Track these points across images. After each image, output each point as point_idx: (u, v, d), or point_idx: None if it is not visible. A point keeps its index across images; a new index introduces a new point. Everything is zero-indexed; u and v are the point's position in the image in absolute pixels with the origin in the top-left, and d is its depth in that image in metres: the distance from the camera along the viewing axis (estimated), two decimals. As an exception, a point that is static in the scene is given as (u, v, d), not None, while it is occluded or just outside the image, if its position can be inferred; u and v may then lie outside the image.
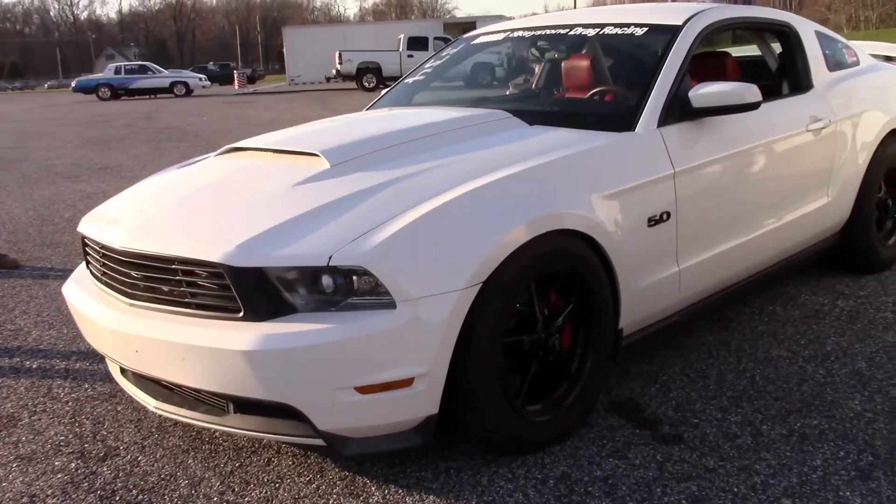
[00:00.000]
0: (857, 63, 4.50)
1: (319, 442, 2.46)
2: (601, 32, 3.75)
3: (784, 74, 4.13)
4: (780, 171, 3.64)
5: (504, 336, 2.60)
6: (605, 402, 3.09)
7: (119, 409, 3.20)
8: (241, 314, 2.41)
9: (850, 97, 4.18)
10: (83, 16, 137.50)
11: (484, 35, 4.27)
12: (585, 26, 3.84)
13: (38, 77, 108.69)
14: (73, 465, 2.79)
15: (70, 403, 3.28)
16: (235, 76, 41.79)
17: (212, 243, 2.48)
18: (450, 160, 2.86)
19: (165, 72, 35.53)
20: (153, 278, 2.61)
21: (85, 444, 2.93)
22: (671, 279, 3.15)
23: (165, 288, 2.59)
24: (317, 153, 2.90)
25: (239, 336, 2.36)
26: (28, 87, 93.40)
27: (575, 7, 61.17)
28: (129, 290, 2.70)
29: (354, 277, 2.38)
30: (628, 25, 3.70)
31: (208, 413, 2.62)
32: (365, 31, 41.10)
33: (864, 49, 4.79)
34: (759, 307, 4.04)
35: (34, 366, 3.72)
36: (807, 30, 4.17)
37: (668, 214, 3.08)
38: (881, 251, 4.45)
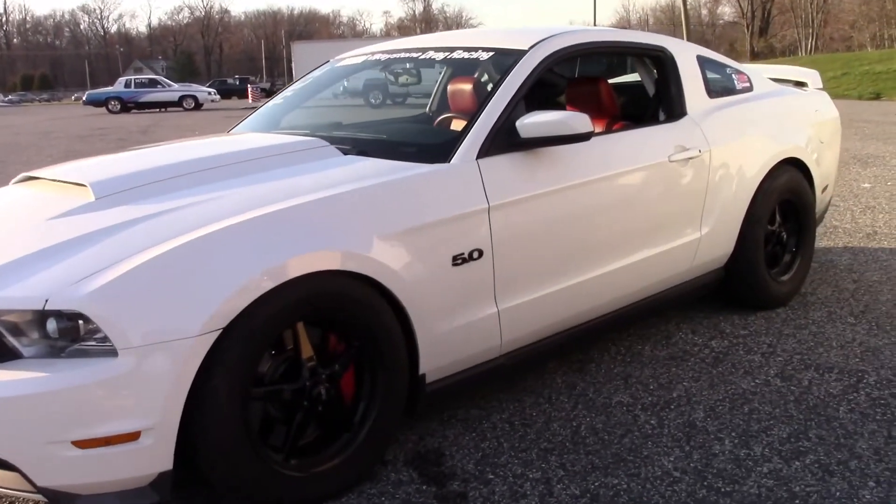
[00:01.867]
0: (749, 89, 4.27)
1: (41, 498, 2.29)
2: (449, 57, 3.58)
3: (659, 101, 3.91)
4: (631, 204, 3.43)
5: (256, 385, 2.43)
6: (412, 451, 2.90)
7: None
8: None
9: (731, 125, 3.95)
10: (113, 29, 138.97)
11: (348, 58, 4.10)
12: (437, 49, 3.66)
13: (67, 89, 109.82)
14: None
15: None
16: (249, 90, 41.91)
17: None
18: (227, 193, 2.68)
19: (175, 85, 35.72)
20: None
21: None
22: (488, 321, 2.96)
23: None
24: (86, 184, 2.74)
25: None
26: (56, 100, 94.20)
27: (594, 21, 61.11)
28: None
29: (80, 322, 2.22)
30: (476, 49, 3.52)
31: (-49, 463, 2.45)
32: (376, 47, 41.04)
33: (764, 74, 4.56)
34: (627, 346, 3.82)
35: None
36: (685, 54, 3.96)
37: (481, 252, 2.88)
38: (773, 287, 4.21)
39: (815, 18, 64.88)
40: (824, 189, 4.62)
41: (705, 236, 3.81)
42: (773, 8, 63.68)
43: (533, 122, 3.04)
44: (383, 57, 3.88)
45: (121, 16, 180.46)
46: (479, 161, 2.97)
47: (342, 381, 2.64)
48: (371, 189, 2.71)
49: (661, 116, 3.87)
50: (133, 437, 2.22)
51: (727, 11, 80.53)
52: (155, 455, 2.26)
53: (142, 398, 2.21)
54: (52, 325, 2.23)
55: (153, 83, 34.70)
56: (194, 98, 34.41)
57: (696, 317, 4.19)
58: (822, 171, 4.52)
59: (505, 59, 3.35)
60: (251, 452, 2.39)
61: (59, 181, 2.94)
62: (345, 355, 2.63)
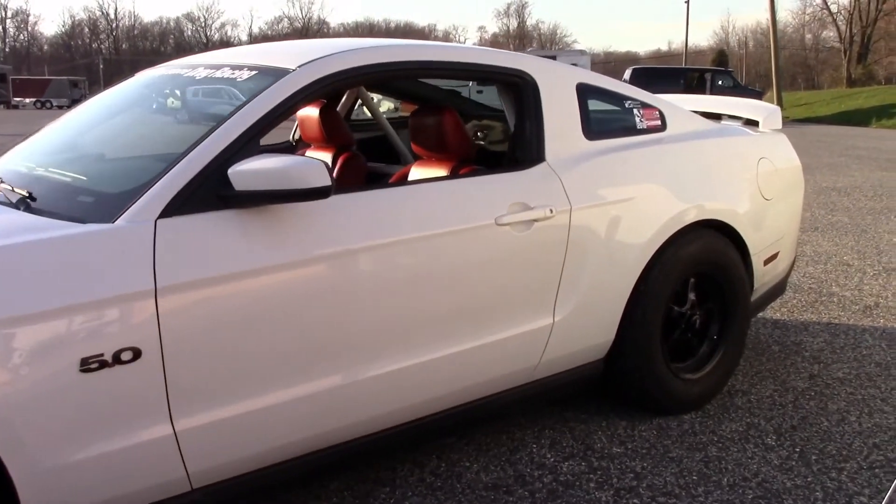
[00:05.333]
0: (658, 128, 3.29)
1: None
2: (212, 75, 2.75)
3: (514, 142, 2.99)
4: (412, 285, 2.49)
5: None
6: None
7: None
8: None
9: (613, 176, 3.00)
10: (216, 37, 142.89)
11: (146, 73, 3.29)
12: (207, 66, 2.84)
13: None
14: None
15: None
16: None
17: None
18: None
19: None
20: None
21: None
22: (159, 447, 2.11)
23: None
24: None
25: None
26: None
27: (686, 44, 59.14)
28: None
29: None
30: (242, 67, 2.68)
31: None
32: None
33: (687, 105, 3.56)
34: (453, 462, 2.89)
35: None
36: (556, 81, 3.01)
37: (137, 353, 2.04)
38: (674, 386, 3.21)
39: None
40: (770, 259, 3.59)
41: (561, 322, 2.87)
42: (875, 34, 60.38)
43: (248, 171, 2.18)
44: (157, 74, 3.08)
45: (223, 24, 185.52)
46: (160, 222, 2.12)
47: None
48: (-52, 261, 1.90)
49: (520, 160, 2.94)
50: None
51: (831, 36, 76.87)
52: None
53: None
54: None
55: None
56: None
57: (572, 420, 3.23)
58: (765, 235, 3.50)
59: (260, 82, 2.51)
60: None
61: None
62: None
